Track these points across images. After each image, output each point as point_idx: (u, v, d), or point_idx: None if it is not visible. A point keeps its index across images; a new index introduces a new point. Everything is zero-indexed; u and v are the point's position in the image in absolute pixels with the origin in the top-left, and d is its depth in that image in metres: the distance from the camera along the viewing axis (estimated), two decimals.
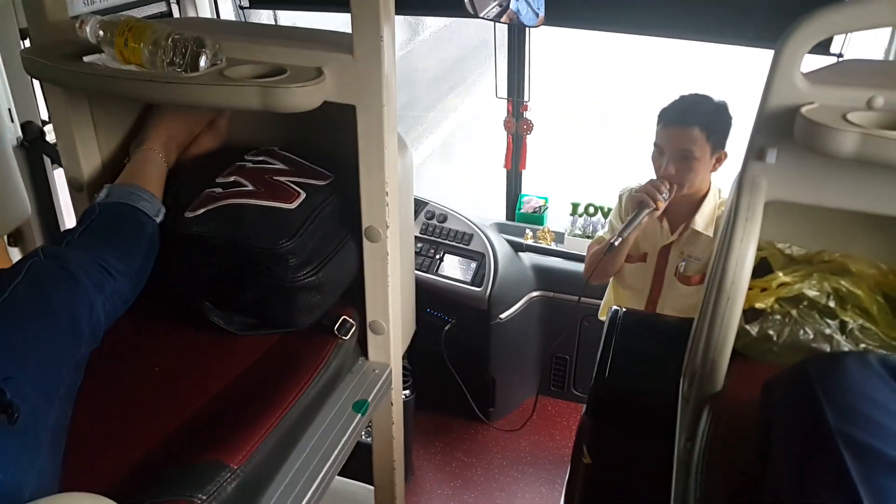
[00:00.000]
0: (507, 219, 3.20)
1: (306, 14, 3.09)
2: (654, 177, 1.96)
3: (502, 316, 2.77)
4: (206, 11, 2.63)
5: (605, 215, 2.95)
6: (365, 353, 1.26)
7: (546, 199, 3.15)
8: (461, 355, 2.80)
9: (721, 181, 2.01)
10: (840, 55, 2.12)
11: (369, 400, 1.17)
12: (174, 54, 1.03)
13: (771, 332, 1.10)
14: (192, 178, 1.25)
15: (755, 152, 1.00)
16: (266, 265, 1.11)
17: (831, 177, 0.97)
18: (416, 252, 2.84)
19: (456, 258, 2.84)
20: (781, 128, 0.96)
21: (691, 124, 1.85)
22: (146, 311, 1.18)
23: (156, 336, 1.18)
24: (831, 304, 1.08)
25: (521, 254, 2.91)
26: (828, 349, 1.07)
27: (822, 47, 2.09)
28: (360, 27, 1.02)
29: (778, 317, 1.10)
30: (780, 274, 1.12)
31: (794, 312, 1.09)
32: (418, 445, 2.76)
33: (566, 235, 2.98)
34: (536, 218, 3.10)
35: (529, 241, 2.93)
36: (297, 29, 1.24)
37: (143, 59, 1.05)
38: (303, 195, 1.17)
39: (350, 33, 1.04)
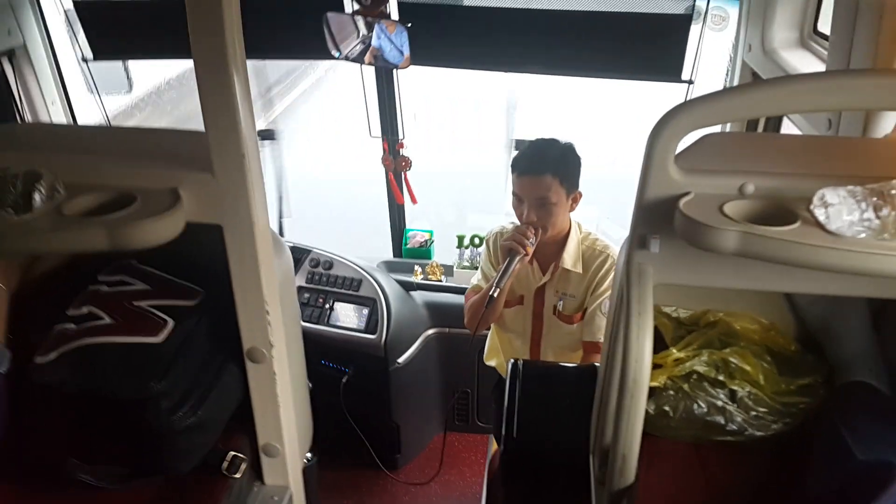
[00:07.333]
0: (395, 255, 3.15)
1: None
2: (518, 222, 2.00)
3: (400, 360, 2.72)
4: (44, 67, 2.40)
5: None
6: (260, 477, 1.17)
7: (431, 232, 3.12)
8: (361, 405, 2.72)
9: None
10: (691, 81, 2.23)
11: None
12: (2, 193, 0.89)
13: (667, 409, 1.12)
14: (39, 309, 1.11)
15: (637, 240, 1.01)
16: (136, 413, 0.99)
17: (715, 262, 0.99)
18: (303, 303, 2.73)
19: (347, 305, 2.75)
20: (661, 216, 0.97)
21: (543, 172, 1.89)
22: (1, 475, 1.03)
23: None
24: (720, 376, 1.11)
25: (411, 292, 2.87)
26: (722, 421, 1.10)
27: (673, 75, 2.21)
28: (218, 145, 0.93)
29: (671, 392, 1.12)
30: (675, 350, 1.14)
31: (685, 387, 1.12)
32: None
33: (455, 268, 2.96)
34: (423, 252, 3.07)
35: (419, 279, 2.89)
36: (147, 134, 1.13)
37: None
38: (170, 324, 1.06)
39: (206, 134, 0.94)
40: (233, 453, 1.08)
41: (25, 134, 1.29)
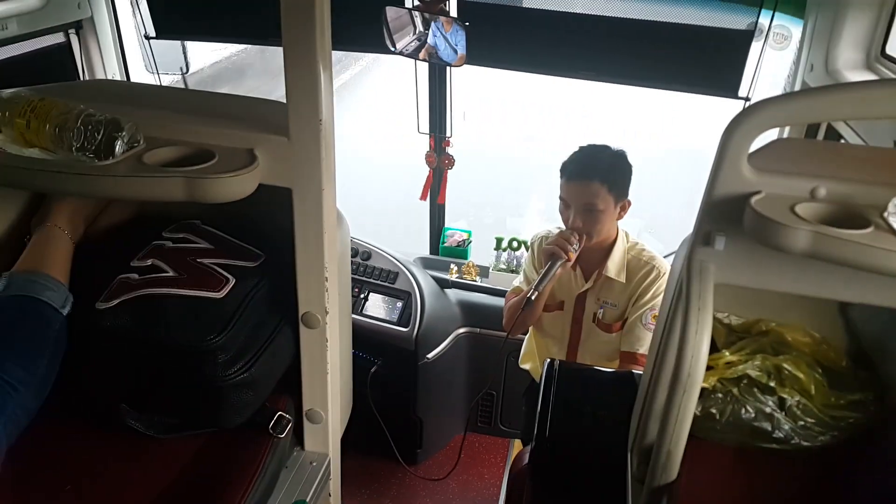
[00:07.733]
0: (431, 253, 3.16)
1: None
2: (563, 226, 1.99)
3: (429, 356, 2.73)
4: (108, 42, 2.47)
5: (528, 249, 2.97)
6: (301, 442, 1.18)
7: (469, 232, 3.13)
8: (387, 397, 2.73)
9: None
10: (748, 98, 2.22)
11: (307, 500, 1.10)
12: (84, 138, 0.92)
13: (714, 411, 1.11)
14: (103, 259, 1.14)
15: (702, 237, 1.00)
16: (192, 364, 1.01)
17: (778, 264, 0.98)
18: None
19: (381, 297, 2.78)
20: (728, 214, 0.96)
21: (592, 179, 1.87)
22: (52, 416, 1.05)
23: (64, 446, 1.06)
24: (771, 383, 1.09)
25: (446, 290, 2.88)
26: (769, 427, 1.09)
27: (730, 91, 2.20)
28: (296, 111, 0.95)
29: (720, 395, 1.11)
30: (727, 353, 1.13)
31: (734, 391, 1.11)
32: (345, 494, 2.65)
33: (491, 270, 2.96)
34: (460, 252, 3.08)
35: (454, 277, 2.90)
36: (224, 98, 1.15)
37: (48, 143, 0.93)
38: (232, 281, 1.08)
39: (284, 103, 0.97)
40: (279, 413, 1.10)
41: (94, 89, 1.33)
